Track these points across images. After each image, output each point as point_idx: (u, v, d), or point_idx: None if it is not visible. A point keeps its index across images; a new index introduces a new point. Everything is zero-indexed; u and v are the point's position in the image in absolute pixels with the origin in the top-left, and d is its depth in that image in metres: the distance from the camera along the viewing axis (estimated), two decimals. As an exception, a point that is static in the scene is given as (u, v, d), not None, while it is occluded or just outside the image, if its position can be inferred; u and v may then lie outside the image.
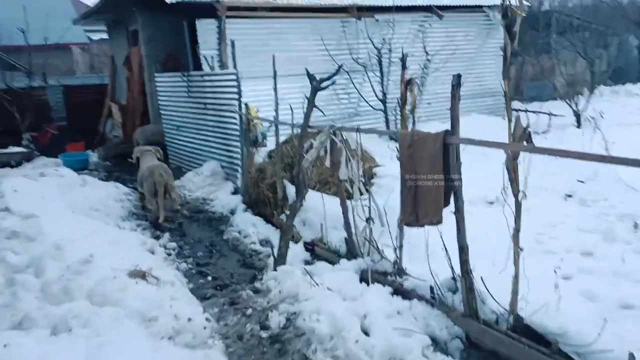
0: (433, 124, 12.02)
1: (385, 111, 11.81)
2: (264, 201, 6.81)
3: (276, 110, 6.70)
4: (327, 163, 5.43)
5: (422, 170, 4.13)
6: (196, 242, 6.66)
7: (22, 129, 13.28)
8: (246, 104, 7.61)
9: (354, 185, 5.31)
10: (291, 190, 6.41)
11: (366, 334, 3.95)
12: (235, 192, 8.81)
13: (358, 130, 5.01)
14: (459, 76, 3.82)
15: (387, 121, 11.91)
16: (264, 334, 4.17)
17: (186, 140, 10.85)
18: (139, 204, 8.15)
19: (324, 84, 5.71)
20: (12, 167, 11.92)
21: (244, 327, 4.29)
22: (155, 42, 12.30)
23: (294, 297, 4.47)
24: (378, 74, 11.65)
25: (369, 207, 5.22)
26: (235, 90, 8.72)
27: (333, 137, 5.29)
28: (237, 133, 8.74)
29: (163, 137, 11.73)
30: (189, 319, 4.02)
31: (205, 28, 10.00)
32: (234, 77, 8.77)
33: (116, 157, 12.75)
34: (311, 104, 5.67)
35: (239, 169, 8.76)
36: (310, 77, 5.77)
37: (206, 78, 9.71)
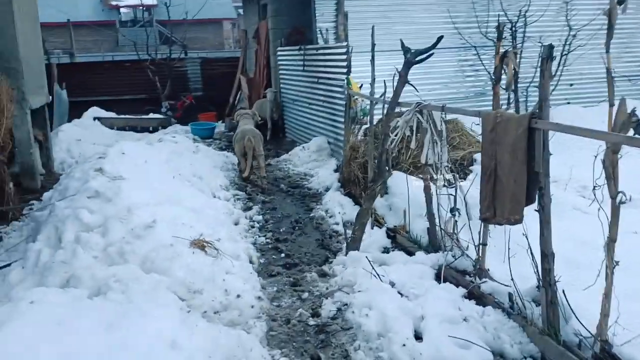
0: (572, 109, 10.69)
1: (515, 91, 10.67)
2: (354, 181, 6.49)
3: (372, 85, 6.28)
4: (413, 145, 4.94)
5: (503, 159, 3.51)
6: (284, 217, 6.58)
7: (161, 98, 14.36)
8: (347, 78, 7.29)
9: (438, 171, 4.77)
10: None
11: (418, 338, 3.51)
12: (337, 170, 8.61)
13: (443, 108, 4.44)
14: (550, 47, 3.12)
15: (517, 102, 10.76)
16: (311, 322, 3.91)
17: (299, 115, 10.85)
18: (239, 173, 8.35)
19: (418, 58, 5.18)
20: (150, 132, 12.99)
21: (294, 311, 4.08)
22: (282, 15, 12.41)
23: (351, 286, 4.14)
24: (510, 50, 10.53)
25: (454, 197, 4.66)
26: (345, 64, 8.43)
27: (419, 115, 4.77)
28: (343, 109, 8.49)
29: (280, 111, 11.89)
30: (238, 296, 3.91)
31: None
32: (343, 50, 8.47)
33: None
34: (402, 79, 5.18)
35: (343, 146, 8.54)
36: (405, 49, 5.27)
37: (319, 52, 9.53)
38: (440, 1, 10.34)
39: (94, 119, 12.46)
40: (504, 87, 4.31)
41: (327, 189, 7.43)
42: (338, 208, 6.36)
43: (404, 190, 5.48)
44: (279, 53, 11.86)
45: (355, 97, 7.20)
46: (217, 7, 30.63)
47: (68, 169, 7.88)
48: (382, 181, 5.20)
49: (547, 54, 3.12)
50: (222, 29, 32.76)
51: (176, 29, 29.86)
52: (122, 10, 29.27)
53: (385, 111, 5.62)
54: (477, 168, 5.80)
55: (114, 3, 28.14)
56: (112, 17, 28.62)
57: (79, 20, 27.47)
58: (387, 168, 5.22)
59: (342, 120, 8.58)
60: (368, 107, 7.39)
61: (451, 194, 4.69)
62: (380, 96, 6.29)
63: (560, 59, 10.67)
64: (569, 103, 11.01)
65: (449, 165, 4.83)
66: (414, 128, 4.88)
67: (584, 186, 5.95)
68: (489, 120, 3.66)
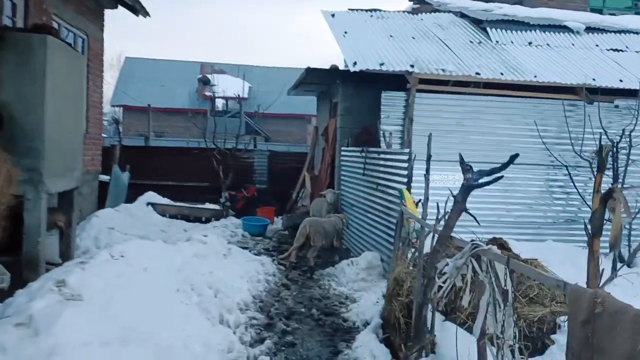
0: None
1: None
2: (394, 325, 4.93)
3: (424, 206, 4.90)
4: (465, 301, 3.43)
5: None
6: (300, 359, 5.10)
7: (222, 187, 13.72)
8: (400, 190, 5.96)
9: (502, 347, 3.18)
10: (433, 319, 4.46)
11: None
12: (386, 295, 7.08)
13: (508, 264, 2.93)
14: None
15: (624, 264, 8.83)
16: None
17: (356, 222, 9.54)
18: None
19: (481, 181, 3.80)
20: (202, 222, 12.20)
21: None
22: (351, 114, 11.56)
23: None
24: (610, 172, 8.80)
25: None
26: (405, 173, 7.17)
27: (474, 262, 3.30)
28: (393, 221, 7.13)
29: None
30: None
31: (391, 101, 8.76)
32: (405, 157, 7.24)
33: (296, 228, 12.07)
34: (458, 205, 3.78)
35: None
36: (464, 167, 3.92)
37: (380, 156, 8.35)
38: (526, 112, 8.97)
39: (147, 204, 11.90)
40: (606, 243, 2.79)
41: (366, 324, 5.90)
42: (369, 361, 4.80)
43: (461, 350, 3.87)
44: (342, 153, 10.87)
45: (408, 216, 5.81)
46: (303, 105, 31.16)
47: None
48: (418, 347, 3.66)
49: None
50: (307, 125, 33.10)
51: (263, 121, 30.61)
52: (216, 100, 30.46)
53: (433, 243, 4.20)
54: (562, 341, 4.06)
55: (207, 93, 29.36)
56: (205, 106, 29.81)
57: (174, 107, 28.86)
58: (428, 328, 3.70)
59: (392, 232, 7.18)
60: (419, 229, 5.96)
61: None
62: (437, 219, 4.88)
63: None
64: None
65: (516, 343, 3.23)
66: (469, 278, 3.40)
67: None
68: (580, 304, 2.14)
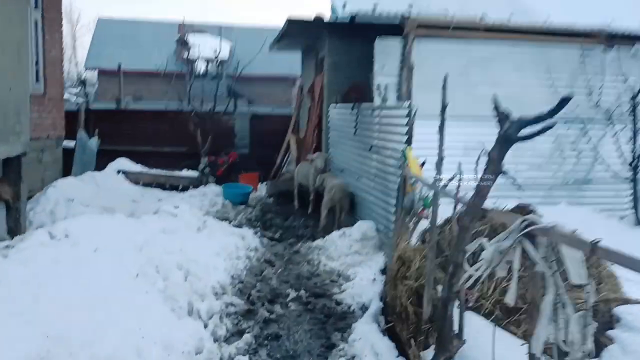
0: None
1: (635, 182, 7.91)
2: (400, 314, 3.99)
3: (438, 166, 3.88)
4: (511, 297, 2.45)
5: None
6: (286, 357, 4.15)
7: (201, 153, 12.58)
8: (402, 151, 4.94)
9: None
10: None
11: None
12: (384, 270, 6.15)
13: (594, 250, 1.94)
14: None
15: (635, 199, 7.94)
16: None
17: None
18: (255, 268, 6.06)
19: (525, 132, 2.80)
20: (179, 190, 11.13)
21: None
22: (339, 70, 10.41)
23: None
24: (630, 126, 7.89)
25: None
26: (405, 131, 6.13)
27: (529, 246, 2.31)
28: (395, 188, 6.15)
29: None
30: None
31: (385, 49, 7.60)
32: (404, 113, 6.19)
33: (281, 195, 11.07)
34: (494, 165, 2.78)
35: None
36: (501, 115, 2.90)
37: (374, 112, 7.29)
38: (538, 59, 7.91)
39: (118, 172, 10.77)
40: None
41: (363, 308, 4.97)
42: (371, 358, 3.86)
43: (487, 350, 2.94)
44: (330, 113, 9.78)
45: (413, 180, 4.79)
46: (288, 65, 29.66)
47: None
48: (446, 353, 2.72)
49: None
50: (292, 87, 31.62)
51: (246, 84, 29.14)
52: (196, 62, 28.87)
53: (456, 215, 3.21)
54: (624, 338, 3.12)
55: (186, 56, 27.75)
56: (184, 68, 28.19)
57: (150, 70, 27.24)
58: (454, 332, 2.75)
59: (390, 198, 6.22)
60: (429, 195, 4.97)
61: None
62: (453, 180, 3.89)
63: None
64: None
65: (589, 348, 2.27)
66: (515, 265, 2.42)
67: None
68: None
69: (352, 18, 8.04)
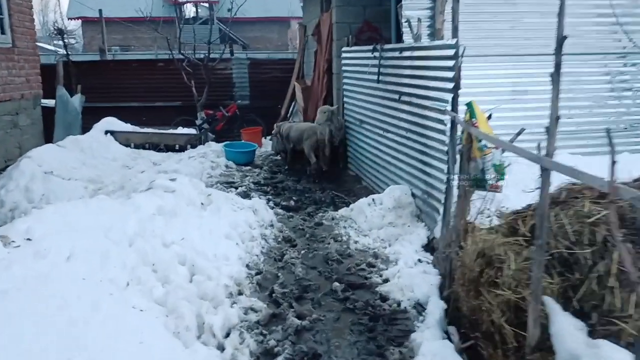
0: None
1: None
2: (488, 333, 2.89)
3: (552, 129, 2.64)
4: None
5: None
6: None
7: (197, 107, 11.25)
8: (469, 104, 3.70)
9: None
10: (569, 341, 2.40)
11: None
12: (427, 246, 5.05)
13: None
14: None
15: None
16: None
17: (369, 144, 7.31)
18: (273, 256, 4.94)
19: None
20: (176, 151, 9.89)
21: None
22: (350, 4, 8.94)
23: None
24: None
25: None
26: (450, 75, 4.85)
27: None
28: (444, 148, 4.95)
29: (343, 133, 8.40)
30: None
31: (415, -27, 6.18)
32: (450, 52, 4.87)
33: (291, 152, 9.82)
34: None
35: (440, 209, 5.00)
36: None
37: (405, 54, 5.94)
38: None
39: (106, 132, 9.48)
40: None
41: (418, 306, 3.88)
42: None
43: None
44: (343, 55, 8.38)
45: (482, 143, 3.56)
46: (283, 5, 27.63)
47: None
48: None
49: None
50: (289, 29, 29.58)
51: (239, 28, 27.18)
52: (184, 6, 26.81)
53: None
54: None
55: (175, -1, 25.63)
56: (173, 13, 26.19)
57: (135, 16, 25.23)
58: None
59: (441, 165, 5.03)
60: (505, 161, 3.73)
61: None
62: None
63: None
64: None
65: None
66: None
67: None
68: None
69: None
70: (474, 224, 3.52)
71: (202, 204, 5.40)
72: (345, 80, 8.33)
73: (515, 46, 6.32)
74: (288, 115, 11.99)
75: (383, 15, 8.57)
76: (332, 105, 8.88)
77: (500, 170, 3.55)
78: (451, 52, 4.85)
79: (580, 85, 6.52)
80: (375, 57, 6.80)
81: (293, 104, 12.11)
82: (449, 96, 4.88)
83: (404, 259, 4.71)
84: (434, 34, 6.07)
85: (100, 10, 17.47)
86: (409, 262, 4.64)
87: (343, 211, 6.09)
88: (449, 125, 4.89)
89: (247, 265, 4.57)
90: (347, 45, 8.46)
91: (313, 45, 10.90)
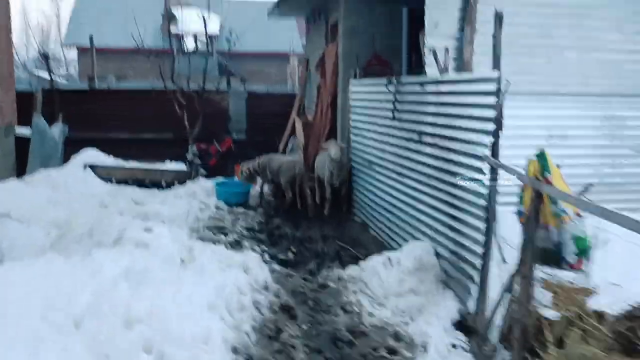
0: None
1: None
2: None
3: None
4: None
5: None
6: None
7: (189, 140, 10.29)
8: (541, 154, 2.75)
9: None
10: None
11: None
12: (460, 324, 4.02)
13: None
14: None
15: None
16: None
17: (380, 189, 6.33)
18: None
19: None
20: (161, 188, 8.87)
21: None
22: (358, 36, 8.16)
23: None
24: None
25: None
26: (491, 114, 3.93)
27: None
28: (481, 202, 3.98)
29: (347, 174, 7.44)
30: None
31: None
32: (491, 87, 3.96)
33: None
34: None
35: (475, 276, 4.02)
36: None
37: (429, 88, 5.03)
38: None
39: (85, 166, 8.48)
40: None
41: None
42: None
43: None
44: (351, 89, 7.49)
45: (560, 207, 2.58)
46: (284, 41, 27.20)
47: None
48: None
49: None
50: (288, 65, 29.06)
51: (238, 61, 26.64)
52: (182, 39, 26.34)
53: None
54: None
55: (173, 31, 25.12)
56: (171, 45, 25.64)
57: (134, 47, 24.64)
58: None
59: (474, 218, 4.07)
60: (589, 233, 2.74)
61: None
62: None
63: None
64: None
65: None
66: None
67: None
68: None
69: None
70: (550, 320, 2.50)
71: (182, 260, 4.37)
72: (352, 116, 7.42)
73: (552, 84, 5.44)
74: (286, 151, 11.06)
75: (392, 48, 7.78)
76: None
77: (584, 246, 2.57)
78: (492, 86, 3.95)
79: (626, 130, 5.62)
80: (389, 91, 5.91)
81: (292, 138, 11.19)
82: (488, 139, 3.96)
83: (433, 342, 3.67)
84: (461, 66, 5.19)
85: (90, 37, 16.73)
86: (440, 348, 3.60)
87: (352, 270, 5.05)
88: (488, 174, 3.96)
89: (235, 349, 3.51)
90: (355, 78, 7.60)
91: (316, 79, 10.07)
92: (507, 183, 3.90)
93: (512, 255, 3.89)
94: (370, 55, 8.13)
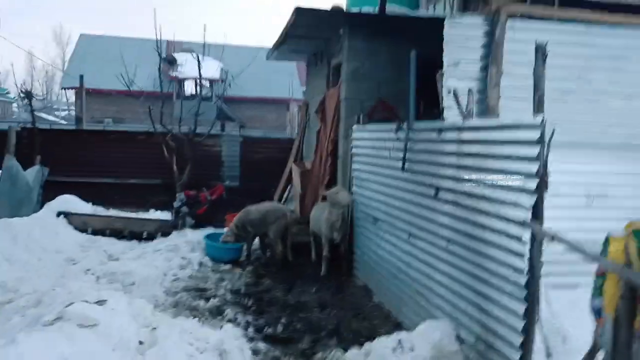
0: None
1: None
2: None
3: None
4: None
5: None
6: None
7: (176, 186, 9.48)
8: (638, 231, 1.92)
9: None
10: None
11: None
12: None
13: None
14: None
15: None
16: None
17: (386, 250, 5.43)
18: None
19: None
20: (142, 240, 7.94)
21: None
22: (362, 80, 7.48)
23: None
24: None
25: None
26: (532, 169, 3.12)
27: None
28: (518, 279, 3.09)
29: (348, 229, 6.55)
30: None
31: (462, 33, 4.60)
32: (532, 135, 3.16)
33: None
34: None
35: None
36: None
37: (448, 136, 4.22)
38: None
39: (59, 214, 7.59)
40: None
41: None
42: None
43: None
44: (354, 135, 6.72)
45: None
46: (284, 86, 26.97)
47: None
48: None
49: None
50: (286, 110, 28.70)
51: (237, 106, 26.26)
52: (182, 83, 26.07)
53: None
54: None
55: (173, 75, 24.83)
56: (171, 88, 25.32)
57: (125, 90, 24.31)
58: None
59: (508, 297, 3.17)
60: None
61: None
62: None
63: None
64: None
65: None
66: None
67: None
68: None
69: (383, 6, 5.12)
70: None
71: (140, 343, 3.42)
72: (355, 166, 6.61)
73: (592, 133, 4.65)
74: (282, 200, 10.21)
75: (398, 94, 7.07)
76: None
77: None
78: (534, 134, 3.14)
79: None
80: (399, 139, 5.11)
81: (289, 187, 10.38)
82: (528, 200, 3.12)
83: None
84: (485, 110, 4.41)
85: (80, 77, 16.31)
86: None
87: (354, 355, 4.08)
88: (528, 244, 3.11)
89: None
90: (359, 123, 6.84)
91: (315, 124, 9.34)
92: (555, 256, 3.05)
93: (561, 350, 2.99)
94: (375, 102, 7.43)
